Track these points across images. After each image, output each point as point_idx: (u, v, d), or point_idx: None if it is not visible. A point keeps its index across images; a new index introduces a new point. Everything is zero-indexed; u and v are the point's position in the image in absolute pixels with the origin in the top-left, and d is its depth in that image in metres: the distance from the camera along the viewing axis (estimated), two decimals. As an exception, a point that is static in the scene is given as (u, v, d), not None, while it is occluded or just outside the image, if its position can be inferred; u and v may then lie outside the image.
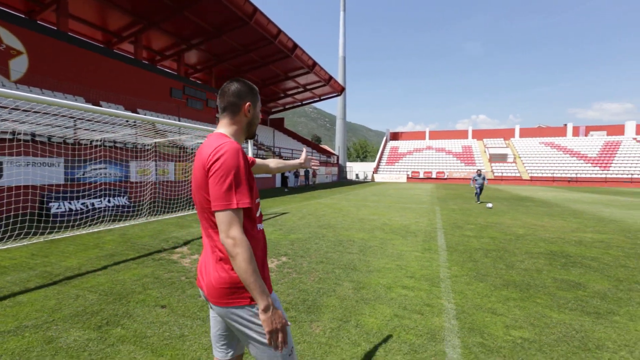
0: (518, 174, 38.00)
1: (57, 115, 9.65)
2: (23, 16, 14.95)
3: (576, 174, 35.73)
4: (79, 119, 10.70)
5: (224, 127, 1.33)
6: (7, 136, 8.59)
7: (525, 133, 46.55)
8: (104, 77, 15.35)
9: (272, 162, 1.88)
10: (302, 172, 27.82)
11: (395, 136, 54.54)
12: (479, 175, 13.91)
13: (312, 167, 2.03)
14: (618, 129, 42.07)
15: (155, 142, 11.55)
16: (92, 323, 2.72)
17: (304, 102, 38.51)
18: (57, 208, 7.93)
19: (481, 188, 13.87)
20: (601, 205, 13.37)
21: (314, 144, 42.07)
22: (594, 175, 35.10)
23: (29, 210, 7.65)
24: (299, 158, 2.01)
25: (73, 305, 3.07)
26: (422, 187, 26.67)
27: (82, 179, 10.21)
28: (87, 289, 3.47)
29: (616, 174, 34.65)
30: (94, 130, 10.12)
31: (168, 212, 9.33)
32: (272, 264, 4.48)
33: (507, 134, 47.41)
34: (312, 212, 9.87)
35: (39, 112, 8.22)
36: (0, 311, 2.93)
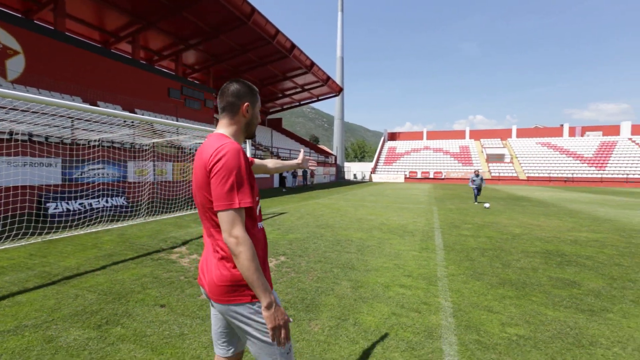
0: (515, 174, 38.22)
1: (54, 115, 9.59)
2: (20, 16, 14.89)
3: (572, 174, 35.98)
4: (77, 119, 10.65)
5: (223, 128, 1.34)
6: (5, 136, 8.56)
7: (522, 133, 46.81)
8: (101, 77, 15.27)
9: (270, 162, 1.90)
10: (300, 172, 27.81)
11: (392, 136, 54.69)
12: (477, 175, 13.56)
13: (310, 167, 2.05)
14: (614, 130, 42.38)
15: (153, 142, 11.54)
16: (92, 322, 2.73)
17: (302, 103, 38.45)
18: (55, 208, 7.90)
19: (479, 189, 13.56)
20: (596, 205, 13.47)
21: (311, 144, 42.08)
22: (590, 175, 35.38)
23: (26, 211, 7.63)
24: (296, 158, 2.02)
25: (72, 304, 3.08)
26: (420, 187, 26.74)
27: (80, 179, 10.17)
28: (86, 289, 3.48)
29: (612, 174, 34.93)
30: (92, 131, 10.08)
31: (166, 212, 9.33)
32: (270, 263, 4.50)
33: (504, 134, 47.67)
34: (310, 212, 9.90)
35: (36, 112, 8.17)
36: (-1, 311, 2.93)
